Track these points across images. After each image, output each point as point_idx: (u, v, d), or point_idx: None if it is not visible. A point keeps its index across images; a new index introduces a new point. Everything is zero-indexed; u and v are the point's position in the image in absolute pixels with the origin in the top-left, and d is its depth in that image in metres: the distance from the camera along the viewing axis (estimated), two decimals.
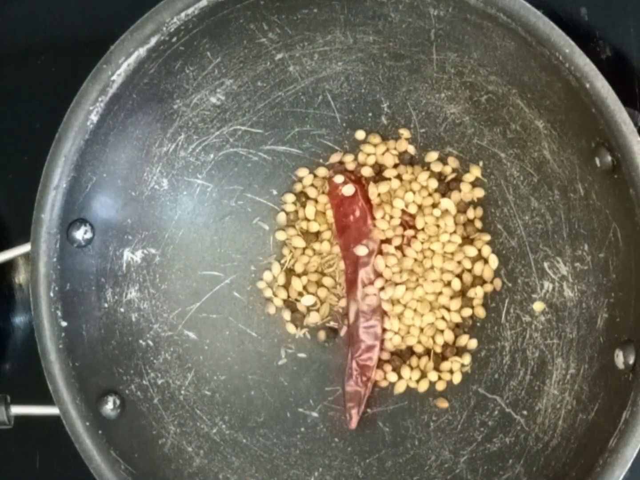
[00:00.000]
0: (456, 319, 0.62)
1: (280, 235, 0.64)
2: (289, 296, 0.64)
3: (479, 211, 0.62)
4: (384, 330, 0.63)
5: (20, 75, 0.67)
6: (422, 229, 0.62)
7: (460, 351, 0.63)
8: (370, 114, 0.62)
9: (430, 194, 0.62)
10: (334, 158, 0.63)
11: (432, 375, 0.62)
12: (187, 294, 0.62)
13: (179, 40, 0.55)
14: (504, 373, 0.61)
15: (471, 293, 0.62)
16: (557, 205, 0.59)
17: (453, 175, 0.62)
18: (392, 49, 0.59)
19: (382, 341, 0.63)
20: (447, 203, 0.62)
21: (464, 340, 0.62)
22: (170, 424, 0.60)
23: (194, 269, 0.62)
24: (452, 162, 0.62)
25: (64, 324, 0.54)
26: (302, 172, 0.63)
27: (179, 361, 0.61)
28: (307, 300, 0.63)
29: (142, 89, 0.56)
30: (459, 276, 0.62)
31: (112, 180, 0.57)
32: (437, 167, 0.62)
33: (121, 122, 0.56)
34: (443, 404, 0.62)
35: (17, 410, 0.56)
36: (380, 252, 0.62)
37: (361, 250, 0.62)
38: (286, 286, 0.64)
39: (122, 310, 0.59)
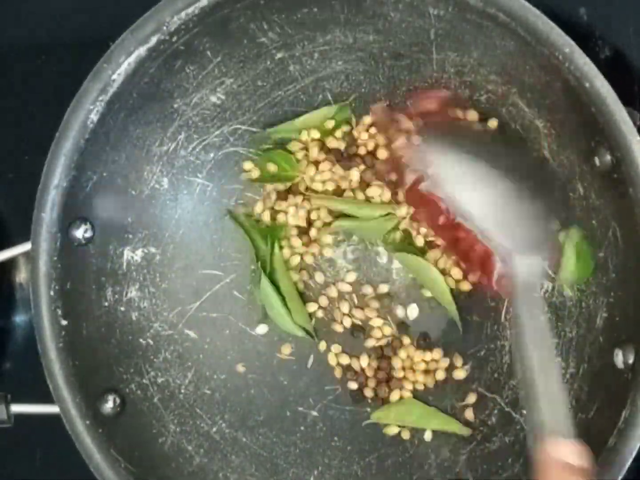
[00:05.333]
0: None
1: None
2: None
3: None
4: None
5: (20, 74, 0.67)
6: None
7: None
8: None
9: None
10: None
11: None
12: (187, 293, 0.62)
13: (179, 40, 0.55)
14: (503, 372, 0.61)
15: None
16: (556, 205, 0.59)
17: None
18: (392, 49, 0.59)
19: None
20: None
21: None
22: (170, 423, 0.60)
23: (194, 268, 0.63)
24: None
25: (64, 322, 0.54)
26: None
27: (179, 360, 0.62)
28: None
29: (142, 88, 0.56)
30: None
31: (113, 179, 0.57)
32: None
33: (121, 122, 0.56)
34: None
35: (17, 408, 0.56)
36: None
37: None
38: None
39: (122, 309, 0.59)
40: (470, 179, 0.55)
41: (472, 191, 0.56)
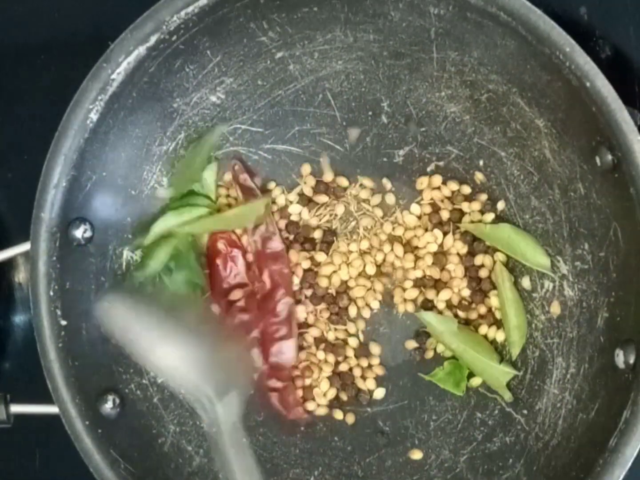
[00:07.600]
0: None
1: None
2: None
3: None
4: None
5: (20, 74, 0.67)
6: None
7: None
8: (370, 113, 0.62)
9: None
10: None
11: None
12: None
13: (178, 39, 0.55)
14: None
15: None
16: (557, 204, 0.59)
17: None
18: (392, 48, 0.59)
19: None
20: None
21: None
22: (169, 423, 0.60)
23: None
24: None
25: (63, 322, 0.54)
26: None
27: None
28: None
29: (142, 87, 0.56)
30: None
31: (112, 179, 0.57)
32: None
33: (121, 121, 0.56)
34: (417, 455, 0.62)
35: (16, 409, 0.56)
36: None
37: None
38: None
39: None
40: (161, 336, 0.55)
41: (165, 347, 0.55)
